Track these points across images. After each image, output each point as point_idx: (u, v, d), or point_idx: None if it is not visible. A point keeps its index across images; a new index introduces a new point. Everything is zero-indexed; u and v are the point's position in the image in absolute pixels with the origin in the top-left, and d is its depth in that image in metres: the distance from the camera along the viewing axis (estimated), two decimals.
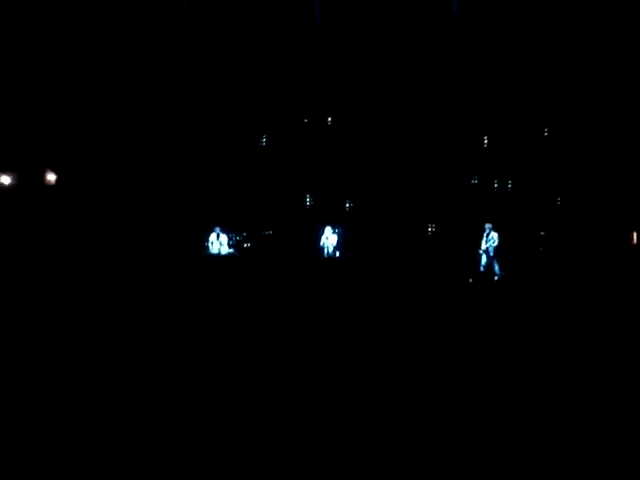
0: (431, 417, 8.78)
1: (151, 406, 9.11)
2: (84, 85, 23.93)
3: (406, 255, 22.71)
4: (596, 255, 22.11)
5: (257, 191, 24.75)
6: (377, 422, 8.59)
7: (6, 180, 23.92)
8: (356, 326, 14.36)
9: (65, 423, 8.51)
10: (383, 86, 24.66)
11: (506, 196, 24.95)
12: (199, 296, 17.38)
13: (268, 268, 21.35)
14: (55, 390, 9.70)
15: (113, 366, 10.97)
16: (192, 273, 20.44)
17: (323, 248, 22.82)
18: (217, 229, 22.73)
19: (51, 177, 24.39)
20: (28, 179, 24.03)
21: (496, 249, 21.86)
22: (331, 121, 25.00)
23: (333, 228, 22.92)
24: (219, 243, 22.67)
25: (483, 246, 21.95)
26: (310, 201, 24.83)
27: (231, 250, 22.96)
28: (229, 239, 22.96)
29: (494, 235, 21.90)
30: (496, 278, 21.64)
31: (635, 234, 23.18)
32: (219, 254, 22.60)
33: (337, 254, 22.81)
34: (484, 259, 21.96)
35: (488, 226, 22.04)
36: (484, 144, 24.98)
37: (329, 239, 22.83)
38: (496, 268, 21.78)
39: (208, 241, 22.72)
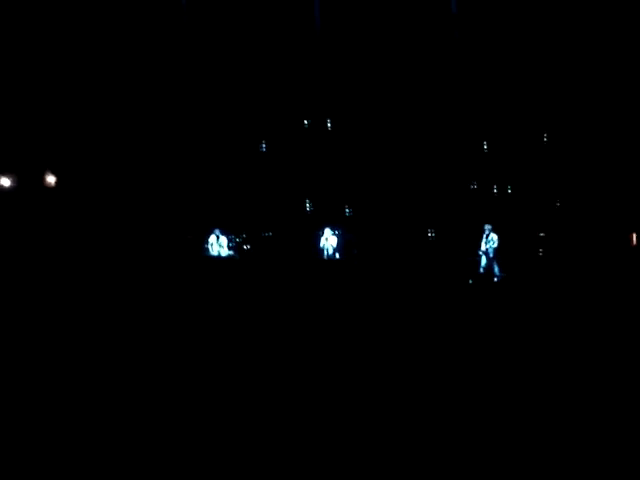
0: (431, 417, 8.78)
1: (151, 407, 9.12)
2: (84, 87, 23.94)
3: (406, 256, 22.71)
4: (596, 256, 22.09)
5: (257, 193, 24.75)
6: (377, 422, 8.59)
7: (6, 182, 23.91)
8: (356, 327, 14.36)
9: (65, 423, 8.52)
10: (382, 88, 24.66)
11: (506, 198, 24.93)
12: (199, 298, 17.38)
13: (268, 270, 21.34)
14: (56, 391, 9.71)
15: (114, 367, 10.98)
16: (192, 275, 20.43)
17: (323, 250, 22.81)
18: (217, 231, 22.71)
19: (51, 179, 24.39)
20: (28, 181, 24.02)
21: (496, 250, 21.84)
22: (331, 123, 25.00)
23: (333, 230, 22.93)
24: (219, 245, 22.66)
25: (483, 247, 21.93)
26: (310, 205, 24.82)
27: (231, 252, 22.95)
28: (229, 241, 22.95)
29: (494, 236, 21.89)
30: (496, 279, 21.63)
31: (635, 235, 23.17)
32: (219, 256, 22.59)
33: (337, 256, 22.80)
34: (484, 260, 21.94)
35: (488, 227, 22.03)
36: (484, 146, 24.97)
37: (329, 240, 22.83)
38: (496, 269, 21.76)
39: (208, 243, 22.70)
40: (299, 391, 9.97)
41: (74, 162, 24.13)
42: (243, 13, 24.69)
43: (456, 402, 9.50)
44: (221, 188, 24.52)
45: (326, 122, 25.10)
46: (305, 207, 24.94)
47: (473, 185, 24.88)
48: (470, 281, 21.22)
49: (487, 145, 24.89)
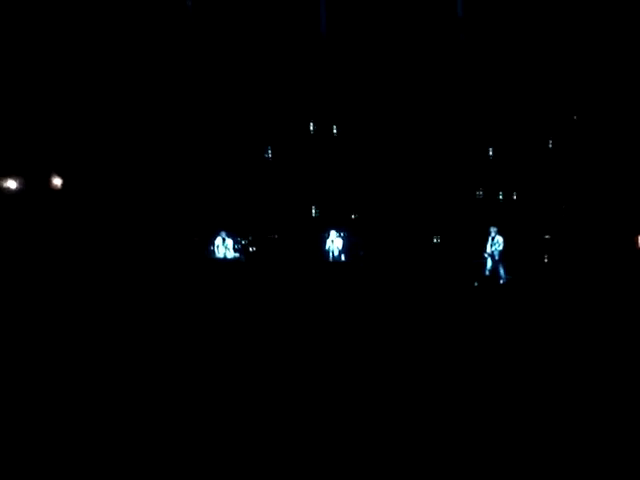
0: (434, 419, 8.80)
1: (154, 409, 9.14)
2: (90, 90, 24.00)
3: (411, 258, 22.73)
4: (601, 259, 22.09)
5: (262, 195, 24.80)
6: (381, 424, 8.61)
7: (12, 184, 23.98)
8: (362, 329, 14.38)
9: (65, 424, 8.55)
10: (388, 91, 24.69)
11: (511, 200, 24.95)
12: (205, 300, 17.41)
13: (273, 272, 21.38)
14: (61, 392, 9.74)
15: (118, 369, 11.01)
16: (197, 277, 20.47)
17: (328, 252, 22.84)
18: (223, 233, 22.75)
19: (57, 181, 24.45)
20: (34, 183, 24.09)
21: (501, 253, 21.85)
22: (337, 126, 25.04)
23: (338, 232, 22.96)
24: (225, 247, 22.69)
25: (488, 250, 21.94)
26: (316, 208, 24.85)
27: (236, 254, 22.98)
28: (235, 243, 22.98)
29: (499, 239, 21.90)
30: (501, 282, 21.63)
31: None
32: (224, 258, 22.62)
33: (342, 258, 22.83)
34: (489, 263, 21.94)
35: (493, 230, 22.04)
36: (489, 149, 24.99)
37: (334, 242, 22.85)
38: (501, 272, 21.76)
39: (214, 245, 22.74)
40: (304, 391, 9.99)
41: (80, 164, 24.20)
42: (249, 18, 24.76)
43: (461, 403, 9.51)
44: (227, 190, 24.57)
45: (332, 125, 25.15)
46: (311, 209, 24.98)
47: (479, 188, 24.89)
48: (476, 283, 21.23)
49: (493, 148, 24.90)
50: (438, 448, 7.96)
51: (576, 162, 24.51)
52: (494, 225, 22.20)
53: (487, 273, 21.94)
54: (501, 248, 21.85)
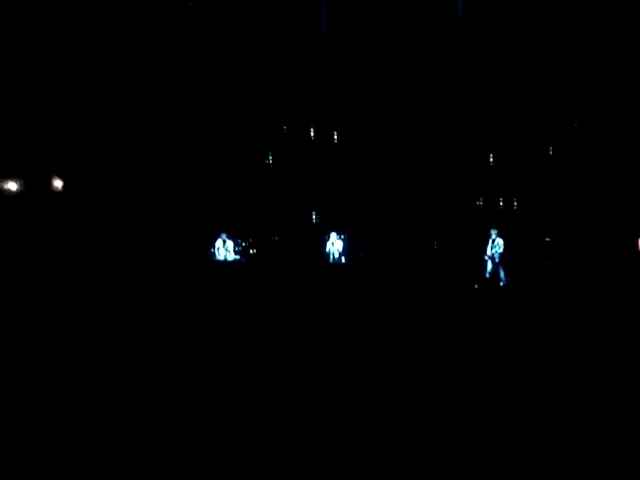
0: (436, 421, 8.80)
1: (156, 411, 9.15)
2: (91, 92, 24.02)
3: (412, 260, 22.72)
4: (601, 261, 22.08)
5: (263, 197, 24.80)
6: (380, 424, 8.62)
7: (13, 186, 24.00)
8: (362, 331, 14.38)
9: (66, 424, 8.57)
10: (388, 94, 24.67)
11: (511, 203, 24.92)
12: (205, 302, 17.42)
13: (274, 274, 21.38)
14: (66, 393, 9.76)
15: (118, 371, 11.02)
16: (198, 279, 20.48)
17: (329, 254, 22.84)
18: (223, 235, 22.74)
19: (58, 183, 24.46)
20: (35, 185, 24.10)
21: (502, 255, 21.85)
22: (338, 129, 25.04)
23: (338, 234, 22.96)
24: (225, 249, 22.68)
25: (489, 252, 21.94)
26: (316, 213, 24.85)
27: (237, 256, 22.98)
28: (235, 245, 22.98)
29: (500, 241, 21.90)
30: (501, 284, 21.63)
31: None
32: (225, 260, 22.62)
33: (343, 260, 22.83)
34: (490, 265, 21.94)
35: (494, 232, 22.04)
36: (490, 152, 24.96)
37: (335, 245, 22.85)
38: (502, 274, 21.76)
39: (214, 247, 22.72)
40: (305, 393, 10.00)
41: (81, 166, 24.21)
42: (249, 24, 24.76)
43: (461, 406, 9.52)
44: (228, 192, 24.57)
45: (333, 128, 25.15)
46: (311, 211, 24.97)
47: (479, 190, 24.87)
48: (476, 286, 21.23)
49: (494, 151, 24.88)
50: (437, 448, 7.97)
51: (577, 164, 24.48)
52: (494, 227, 22.20)
53: (487, 275, 21.94)
54: (501, 250, 21.85)
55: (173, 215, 23.89)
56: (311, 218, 24.86)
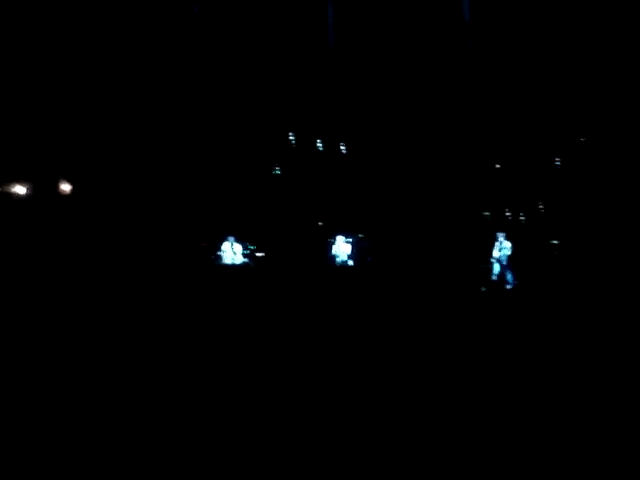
0: (441, 424, 8.81)
1: (163, 414, 9.18)
2: (99, 96, 24.09)
3: (419, 263, 22.72)
4: (609, 263, 22.05)
5: (271, 200, 24.84)
6: (385, 427, 8.63)
7: (21, 190, 24.07)
8: (370, 334, 14.40)
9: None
10: (396, 97, 24.69)
11: (519, 205, 24.91)
12: (212, 305, 17.46)
13: (281, 277, 21.41)
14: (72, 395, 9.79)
15: (126, 374, 11.04)
16: (205, 282, 20.53)
17: (336, 257, 22.84)
18: (231, 238, 22.76)
19: (65, 187, 24.53)
20: (42, 189, 24.16)
21: (509, 258, 21.84)
22: (345, 134, 25.06)
23: (346, 237, 22.96)
24: (233, 252, 22.69)
25: (496, 255, 21.94)
26: (324, 215, 24.87)
27: (245, 260, 23.00)
28: (243, 248, 22.99)
29: (507, 244, 21.89)
30: (509, 287, 21.62)
31: None
32: (233, 263, 22.63)
33: (350, 263, 22.83)
34: (497, 268, 21.93)
35: (501, 235, 22.03)
36: (498, 154, 24.95)
37: (342, 248, 22.86)
38: (509, 277, 21.75)
39: (222, 250, 22.74)
40: (311, 395, 10.02)
41: (89, 170, 24.28)
42: (256, 29, 24.81)
43: (467, 409, 9.52)
44: (235, 195, 24.61)
45: (341, 131, 25.18)
46: (318, 214, 24.99)
47: (487, 194, 24.85)
48: (483, 288, 21.23)
49: (501, 154, 24.86)
50: (445, 448, 7.98)
51: (585, 166, 24.45)
52: (501, 230, 22.19)
53: (494, 278, 21.92)
54: (509, 253, 21.84)
55: (181, 218, 23.93)
56: (318, 219, 24.87)
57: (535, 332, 14.58)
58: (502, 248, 21.88)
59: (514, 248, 21.88)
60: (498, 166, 24.98)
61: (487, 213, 24.69)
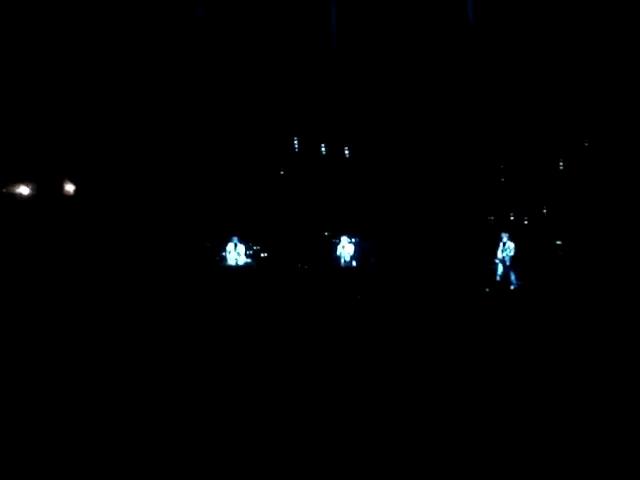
0: (444, 425, 8.83)
1: (166, 413, 9.20)
2: (104, 98, 24.13)
3: (422, 263, 22.72)
4: (613, 264, 22.03)
5: (274, 201, 24.87)
6: (387, 427, 8.65)
7: (25, 190, 24.12)
8: (373, 334, 14.41)
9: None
10: (400, 99, 24.68)
11: (522, 206, 24.90)
12: (216, 305, 17.48)
13: (285, 278, 21.42)
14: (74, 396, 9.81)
15: (131, 375, 11.07)
16: (209, 283, 20.54)
17: (340, 257, 22.86)
18: (235, 239, 22.77)
19: (70, 187, 24.57)
20: (47, 189, 24.21)
21: (512, 258, 21.83)
22: (348, 136, 25.07)
23: (349, 237, 22.98)
24: (237, 253, 22.70)
25: (499, 255, 21.93)
26: (327, 216, 24.88)
27: (248, 260, 23.02)
28: (247, 249, 23.01)
29: (511, 244, 21.88)
30: (512, 288, 21.61)
31: None
32: (237, 264, 22.65)
33: (354, 263, 22.84)
34: (500, 268, 21.93)
35: (505, 235, 22.02)
36: (502, 156, 24.93)
37: (345, 248, 22.87)
38: (512, 278, 21.74)
39: (226, 251, 22.75)
40: (314, 395, 10.03)
41: (93, 170, 24.32)
42: (260, 30, 24.82)
43: (471, 410, 9.53)
44: (240, 196, 24.64)
45: (346, 133, 25.19)
46: (322, 215, 25.00)
47: (490, 195, 24.85)
48: (487, 289, 21.23)
49: (505, 155, 24.84)
50: (448, 448, 8.00)
51: (588, 168, 24.43)
52: (505, 231, 22.19)
53: (498, 279, 21.92)
54: (512, 254, 21.83)
55: (185, 219, 23.96)
56: (322, 219, 24.88)
57: (539, 332, 14.57)
58: (506, 249, 21.87)
59: (518, 249, 21.87)
60: (502, 168, 24.97)
61: (491, 215, 24.70)
